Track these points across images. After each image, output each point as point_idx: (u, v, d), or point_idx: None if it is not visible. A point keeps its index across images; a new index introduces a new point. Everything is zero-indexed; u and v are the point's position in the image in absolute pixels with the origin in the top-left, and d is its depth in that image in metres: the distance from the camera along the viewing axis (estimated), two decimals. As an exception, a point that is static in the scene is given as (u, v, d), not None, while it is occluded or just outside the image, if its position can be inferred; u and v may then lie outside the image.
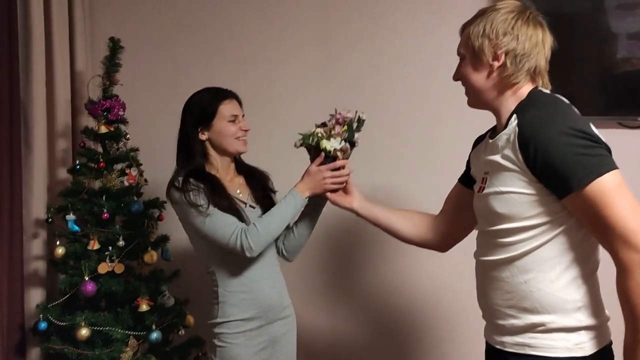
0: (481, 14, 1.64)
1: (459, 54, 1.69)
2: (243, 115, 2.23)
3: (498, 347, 1.63)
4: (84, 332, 2.42)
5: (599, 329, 1.55)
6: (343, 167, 2.07)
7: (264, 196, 2.26)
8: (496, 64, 1.59)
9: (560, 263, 1.53)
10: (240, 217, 2.10)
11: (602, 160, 1.45)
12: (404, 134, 2.77)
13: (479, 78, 1.63)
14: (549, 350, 1.53)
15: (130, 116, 2.72)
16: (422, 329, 2.82)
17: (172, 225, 2.67)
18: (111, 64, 2.63)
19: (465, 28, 1.67)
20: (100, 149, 2.67)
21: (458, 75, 1.70)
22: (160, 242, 2.70)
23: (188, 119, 2.19)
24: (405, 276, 2.82)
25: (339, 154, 2.03)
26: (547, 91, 1.65)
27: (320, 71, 2.83)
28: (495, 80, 1.61)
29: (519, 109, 1.58)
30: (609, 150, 1.51)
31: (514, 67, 1.58)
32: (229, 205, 2.09)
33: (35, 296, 2.70)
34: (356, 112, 2.07)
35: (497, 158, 1.57)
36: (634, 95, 2.44)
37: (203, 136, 2.17)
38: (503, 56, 1.58)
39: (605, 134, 2.46)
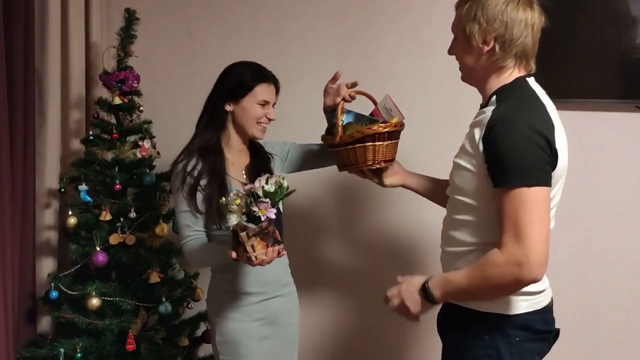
0: None
1: (452, 31, 1.77)
2: (274, 104, 2.19)
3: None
4: (95, 301, 2.44)
5: (529, 295, 1.68)
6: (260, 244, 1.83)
7: None
8: (485, 48, 1.66)
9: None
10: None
11: (538, 173, 1.54)
12: (419, 112, 2.74)
13: (469, 59, 1.72)
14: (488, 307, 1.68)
15: (144, 88, 2.72)
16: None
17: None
18: (126, 36, 2.62)
19: (458, 7, 1.74)
20: (113, 120, 2.67)
21: (452, 51, 1.79)
22: (171, 215, 2.70)
23: (221, 86, 2.15)
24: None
25: (238, 230, 1.79)
26: (533, 86, 1.70)
27: (336, 48, 2.81)
28: (484, 62, 1.69)
29: (501, 91, 1.68)
30: (555, 159, 1.59)
31: (502, 52, 1.65)
32: (220, 197, 2.01)
33: (46, 265, 2.73)
34: (265, 179, 1.81)
35: (469, 133, 1.69)
36: (653, 79, 2.42)
37: (228, 107, 2.14)
38: (492, 41, 1.65)
39: (622, 118, 2.50)
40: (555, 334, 1.79)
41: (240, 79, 2.12)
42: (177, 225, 2.12)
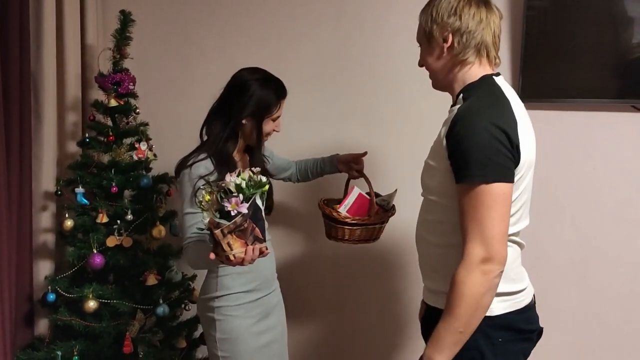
0: (431, 1, 1.77)
1: (417, 41, 1.84)
2: None
3: (427, 302, 1.84)
4: (92, 304, 2.44)
5: (508, 295, 1.70)
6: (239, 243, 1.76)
7: None
8: (446, 45, 1.73)
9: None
10: None
11: (499, 169, 1.56)
12: (416, 113, 2.75)
13: (433, 60, 1.78)
14: None
15: (140, 90, 2.72)
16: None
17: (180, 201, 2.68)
18: (122, 37, 2.61)
19: (419, 18, 1.82)
20: (109, 123, 2.67)
21: (420, 61, 1.85)
22: (168, 217, 2.71)
23: (246, 104, 2.09)
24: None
25: (212, 228, 1.70)
26: (500, 82, 1.73)
27: (333, 51, 2.81)
28: (447, 60, 1.75)
29: (467, 89, 1.72)
30: (518, 155, 1.60)
31: (461, 45, 1.71)
32: None
33: (43, 268, 2.73)
34: (237, 173, 1.74)
35: (439, 132, 1.72)
36: (649, 79, 2.43)
37: (245, 121, 2.12)
38: (450, 36, 1.71)
39: (619, 117, 2.50)
40: (539, 332, 1.79)
41: (269, 101, 2.11)
42: (181, 225, 2.09)
